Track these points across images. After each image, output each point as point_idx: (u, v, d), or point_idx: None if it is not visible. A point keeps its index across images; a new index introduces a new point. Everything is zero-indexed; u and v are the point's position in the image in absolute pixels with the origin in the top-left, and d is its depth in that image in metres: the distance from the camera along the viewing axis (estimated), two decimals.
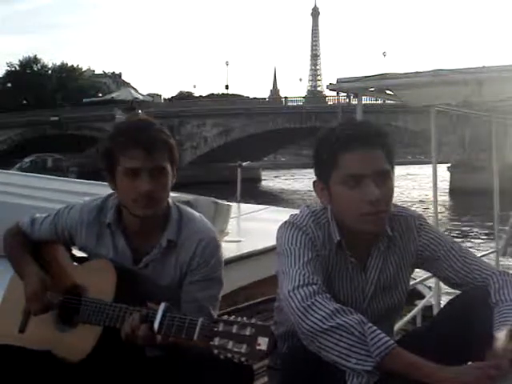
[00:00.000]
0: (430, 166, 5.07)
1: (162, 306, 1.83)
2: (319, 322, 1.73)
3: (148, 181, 2.00)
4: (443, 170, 35.14)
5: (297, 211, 2.06)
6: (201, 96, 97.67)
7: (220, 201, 4.24)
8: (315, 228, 1.96)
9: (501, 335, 1.79)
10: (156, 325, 1.81)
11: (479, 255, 2.87)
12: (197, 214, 2.20)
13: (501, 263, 5.76)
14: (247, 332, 1.67)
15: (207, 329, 1.72)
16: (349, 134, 1.92)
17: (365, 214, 1.89)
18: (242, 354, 1.66)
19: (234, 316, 1.73)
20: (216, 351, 1.68)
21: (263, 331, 1.67)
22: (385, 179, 1.90)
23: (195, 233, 2.12)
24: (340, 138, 1.92)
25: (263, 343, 1.65)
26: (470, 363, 1.78)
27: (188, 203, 2.50)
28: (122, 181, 2.05)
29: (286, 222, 2.01)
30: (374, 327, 1.74)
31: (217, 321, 1.73)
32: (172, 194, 2.17)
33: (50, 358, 2.02)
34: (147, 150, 2.00)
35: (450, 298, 2.11)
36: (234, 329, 1.69)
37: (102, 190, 2.57)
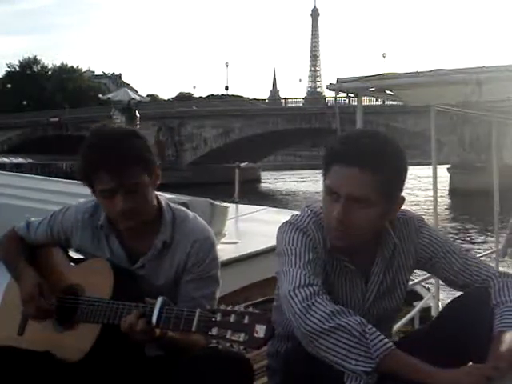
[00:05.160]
0: (430, 166, 5.05)
1: (160, 299, 1.84)
2: (319, 322, 1.72)
3: (123, 200, 1.99)
4: (443, 171, 35.20)
5: (295, 212, 2.05)
6: (200, 97, 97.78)
7: (217, 202, 4.22)
8: (316, 229, 1.95)
9: (501, 337, 1.78)
10: (154, 318, 1.82)
11: (479, 256, 2.87)
12: (190, 213, 2.20)
13: (500, 263, 5.75)
14: (245, 320, 1.69)
15: (205, 319, 1.73)
16: (340, 147, 1.89)
17: (329, 226, 1.91)
18: (240, 343, 1.67)
19: (231, 306, 1.74)
20: (214, 341, 1.70)
21: (261, 319, 1.68)
22: (357, 203, 1.84)
23: (189, 233, 2.11)
24: (332, 149, 1.90)
25: (261, 331, 1.67)
26: (469, 364, 1.78)
27: (184, 205, 2.48)
28: (100, 200, 2.07)
29: (286, 222, 1.99)
30: (374, 328, 1.73)
31: (214, 311, 1.74)
32: (168, 196, 2.16)
33: (49, 359, 2.02)
34: (116, 172, 1.97)
35: (449, 299, 2.10)
36: (232, 318, 1.70)
37: None
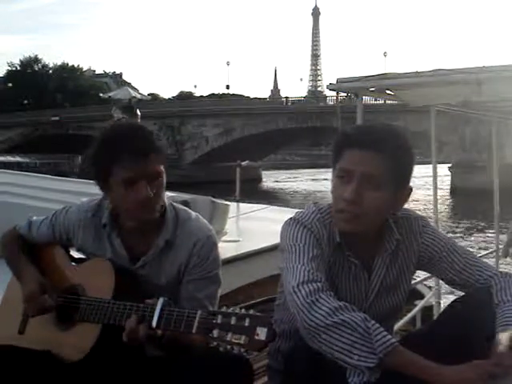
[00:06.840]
0: (431, 165, 5.06)
1: (161, 300, 1.85)
2: (323, 317, 1.73)
3: (146, 188, 1.98)
4: (444, 170, 35.23)
5: (296, 210, 2.06)
6: (201, 96, 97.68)
7: (218, 200, 4.22)
8: (320, 226, 1.96)
9: (503, 336, 1.79)
10: (154, 321, 1.82)
11: (479, 255, 2.88)
12: (193, 213, 2.20)
13: (500, 263, 5.76)
14: (246, 323, 1.69)
15: (206, 321, 1.74)
16: (355, 132, 1.94)
17: (337, 210, 1.92)
18: (241, 345, 1.68)
19: (232, 308, 1.74)
20: (215, 343, 1.70)
21: (262, 321, 1.68)
22: (369, 184, 1.87)
23: (192, 232, 2.12)
24: (347, 135, 1.94)
25: (262, 333, 1.67)
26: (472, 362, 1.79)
27: (185, 203, 2.50)
28: (117, 190, 2.02)
29: (290, 218, 2.01)
30: (377, 325, 1.74)
31: (215, 313, 1.75)
32: (169, 194, 2.16)
33: (49, 358, 2.03)
34: (142, 156, 1.97)
35: (451, 298, 2.11)
36: (233, 320, 1.70)
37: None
